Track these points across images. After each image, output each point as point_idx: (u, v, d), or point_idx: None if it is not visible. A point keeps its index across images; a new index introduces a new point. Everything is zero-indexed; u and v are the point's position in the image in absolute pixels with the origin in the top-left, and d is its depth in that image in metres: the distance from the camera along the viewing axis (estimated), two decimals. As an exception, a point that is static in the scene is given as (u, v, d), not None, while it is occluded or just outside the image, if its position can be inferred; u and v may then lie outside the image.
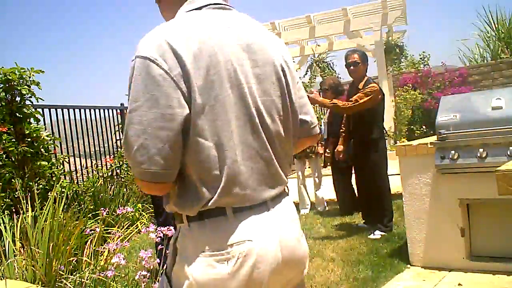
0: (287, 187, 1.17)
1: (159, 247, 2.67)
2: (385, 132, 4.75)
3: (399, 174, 3.54)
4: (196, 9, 1.08)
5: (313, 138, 1.28)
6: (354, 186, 4.97)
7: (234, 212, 1.01)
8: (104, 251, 2.81)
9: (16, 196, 3.73)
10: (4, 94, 4.01)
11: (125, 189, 5.68)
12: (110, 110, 7.02)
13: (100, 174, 6.15)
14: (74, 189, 5.07)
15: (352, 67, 4.34)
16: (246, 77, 1.02)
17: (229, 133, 1.00)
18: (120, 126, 6.92)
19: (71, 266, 2.82)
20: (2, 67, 4.07)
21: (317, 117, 5.89)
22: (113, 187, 5.86)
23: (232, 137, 1.00)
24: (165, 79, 0.95)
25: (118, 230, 3.29)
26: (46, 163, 4.13)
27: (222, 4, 1.11)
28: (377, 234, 4.28)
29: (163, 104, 0.95)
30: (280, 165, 1.10)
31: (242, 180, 1.01)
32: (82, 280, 2.54)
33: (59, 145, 5.54)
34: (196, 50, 0.97)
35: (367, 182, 4.43)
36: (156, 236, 2.54)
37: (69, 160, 5.74)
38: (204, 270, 0.99)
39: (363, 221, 4.78)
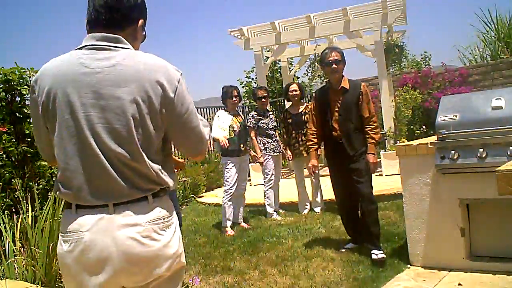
0: (151, 195, 1.40)
1: None
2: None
3: (399, 174, 3.53)
4: (78, 48, 1.41)
5: (197, 158, 1.64)
6: None
7: (77, 208, 1.37)
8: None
9: (16, 196, 3.73)
10: (4, 94, 4.01)
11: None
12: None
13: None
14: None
15: (334, 65, 3.77)
16: (85, 107, 1.34)
17: (63, 148, 1.38)
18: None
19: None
20: (2, 67, 4.06)
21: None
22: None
23: (65, 151, 1.37)
24: (35, 102, 1.43)
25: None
26: (46, 163, 4.13)
27: (98, 45, 1.39)
28: (379, 253, 3.62)
29: (34, 117, 1.49)
30: (127, 181, 1.36)
31: (76, 185, 1.36)
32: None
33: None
34: (50, 86, 1.38)
35: (361, 192, 3.80)
36: None
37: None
38: (59, 245, 1.42)
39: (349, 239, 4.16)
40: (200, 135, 1.50)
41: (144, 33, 1.54)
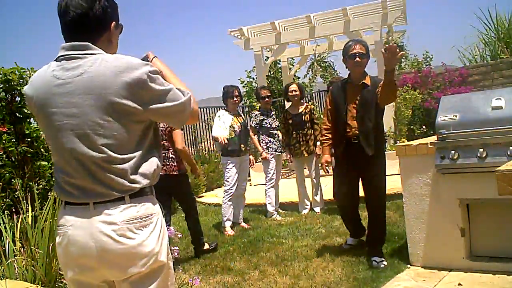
0: (129, 196, 1.48)
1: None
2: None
3: (399, 174, 3.53)
4: (55, 59, 1.52)
5: (190, 123, 1.82)
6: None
7: (66, 205, 1.52)
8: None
9: (16, 196, 3.73)
10: (4, 94, 4.00)
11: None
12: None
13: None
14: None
15: (358, 59, 3.53)
16: (60, 116, 1.46)
17: (53, 153, 1.55)
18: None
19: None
20: (2, 67, 4.06)
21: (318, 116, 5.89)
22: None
23: (55, 156, 1.53)
24: (31, 110, 1.59)
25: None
26: (46, 163, 4.12)
27: (68, 54, 1.48)
28: (380, 262, 3.55)
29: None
30: (102, 183, 1.46)
31: (62, 185, 1.51)
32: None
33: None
34: (34, 98, 1.51)
35: (373, 196, 3.68)
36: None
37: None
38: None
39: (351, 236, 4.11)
40: (182, 107, 1.53)
41: (119, 28, 1.59)
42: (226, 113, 5.29)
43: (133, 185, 1.48)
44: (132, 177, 1.47)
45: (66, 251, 1.50)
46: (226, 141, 5.01)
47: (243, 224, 5.46)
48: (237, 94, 5.31)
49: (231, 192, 5.20)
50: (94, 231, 1.44)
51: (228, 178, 5.21)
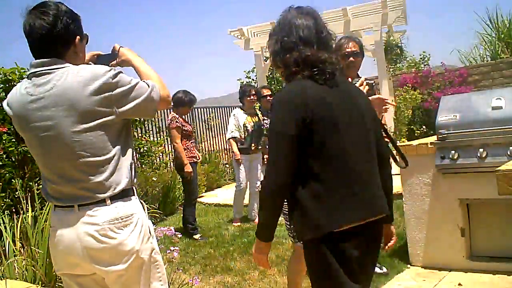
0: (109, 198, 1.58)
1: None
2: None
3: (399, 174, 3.53)
4: (26, 77, 1.62)
5: (162, 108, 1.82)
6: None
7: (55, 208, 1.65)
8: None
9: (16, 196, 3.73)
10: (4, 94, 4.00)
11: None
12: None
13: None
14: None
15: (352, 58, 3.02)
16: (39, 130, 1.56)
17: (38, 164, 1.66)
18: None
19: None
20: (2, 67, 4.06)
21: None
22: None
23: (40, 166, 1.65)
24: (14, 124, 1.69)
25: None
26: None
27: (37, 71, 1.57)
28: (380, 266, 3.40)
29: None
30: (83, 188, 1.56)
31: (49, 192, 1.64)
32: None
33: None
34: (13, 115, 1.62)
35: None
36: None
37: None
38: None
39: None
40: (149, 99, 1.63)
41: (84, 40, 1.69)
42: (241, 112, 5.42)
43: (113, 187, 1.58)
44: (112, 179, 1.58)
45: (56, 249, 1.63)
46: (240, 157, 5.30)
47: (256, 221, 5.48)
48: (254, 93, 5.47)
49: (241, 188, 5.43)
50: (79, 232, 1.56)
51: (237, 174, 5.46)
